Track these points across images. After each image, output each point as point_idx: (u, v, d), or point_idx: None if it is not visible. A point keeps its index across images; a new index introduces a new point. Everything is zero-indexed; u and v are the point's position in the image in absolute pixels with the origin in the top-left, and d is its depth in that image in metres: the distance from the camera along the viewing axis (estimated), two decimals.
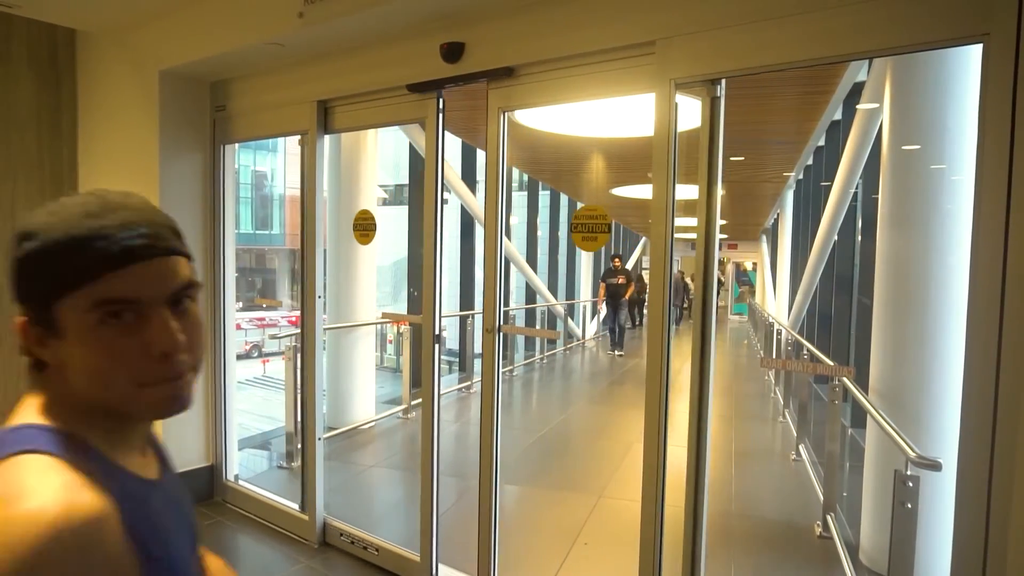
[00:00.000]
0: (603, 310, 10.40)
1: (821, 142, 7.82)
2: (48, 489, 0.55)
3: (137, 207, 0.66)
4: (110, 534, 0.57)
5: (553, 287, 13.57)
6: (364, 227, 3.17)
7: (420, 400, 2.86)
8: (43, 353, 0.67)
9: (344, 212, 5.10)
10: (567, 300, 14.11)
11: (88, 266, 0.61)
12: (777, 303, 12.04)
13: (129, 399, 0.64)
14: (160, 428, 2.95)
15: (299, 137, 3.23)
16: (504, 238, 2.56)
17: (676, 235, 2.17)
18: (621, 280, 9.92)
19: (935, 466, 2.00)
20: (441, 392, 2.80)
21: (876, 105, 4.35)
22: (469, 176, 9.48)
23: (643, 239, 17.41)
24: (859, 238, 6.78)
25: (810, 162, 8.84)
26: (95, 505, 0.57)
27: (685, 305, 14.46)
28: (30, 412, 0.67)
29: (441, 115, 2.71)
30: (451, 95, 2.69)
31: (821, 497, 3.65)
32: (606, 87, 2.26)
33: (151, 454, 0.76)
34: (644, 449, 2.18)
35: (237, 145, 3.64)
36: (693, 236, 2.07)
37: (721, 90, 2.02)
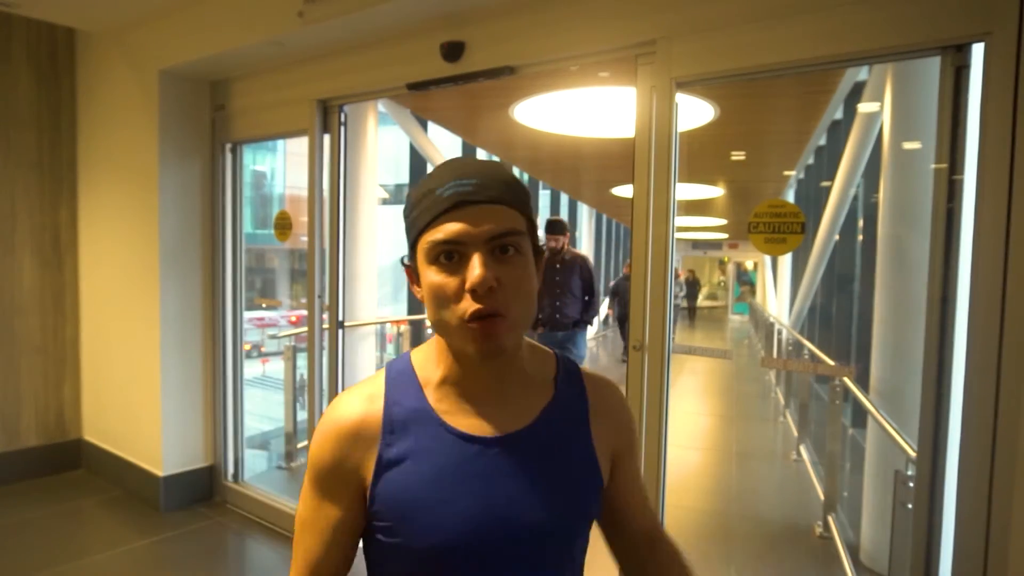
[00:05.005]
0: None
1: (822, 141, 7.81)
2: (346, 393, 0.81)
3: (475, 163, 0.75)
4: (350, 432, 0.77)
5: None
6: (282, 226, 3.54)
7: None
8: (418, 293, 0.77)
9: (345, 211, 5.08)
10: None
11: (420, 217, 0.73)
12: (778, 303, 12.03)
13: (454, 329, 0.72)
14: (160, 426, 2.93)
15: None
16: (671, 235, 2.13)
17: (677, 235, 2.16)
18: None
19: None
20: None
21: (877, 105, 4.34)
22: None
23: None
24: (860, 237, 6.77)
25: (811, 161, 8.82)
26: (352, 410, 0.78)
27: (685, 304, 14.46)
28: (422, 344, 0.84)
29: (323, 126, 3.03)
30: (451, 94, 2.68)
31: (822, 497, 3.64)
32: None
33: (502, 415, 0.79)
34: (645, 449, 2.18)
35: (243, 146, 3.64)
36: (693, 236, 2.01)
37: (969, 58, 1.66)
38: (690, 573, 0.92)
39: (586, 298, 4.71)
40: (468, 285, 0.69)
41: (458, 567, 0.75)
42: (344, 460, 0.77)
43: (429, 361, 0.81)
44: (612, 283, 10.80)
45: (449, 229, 0.70)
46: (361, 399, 0.79)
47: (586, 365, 0.95)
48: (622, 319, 10.59)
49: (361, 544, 0.83)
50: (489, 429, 0.77)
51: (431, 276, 0.72)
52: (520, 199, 0.74)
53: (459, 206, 0.70)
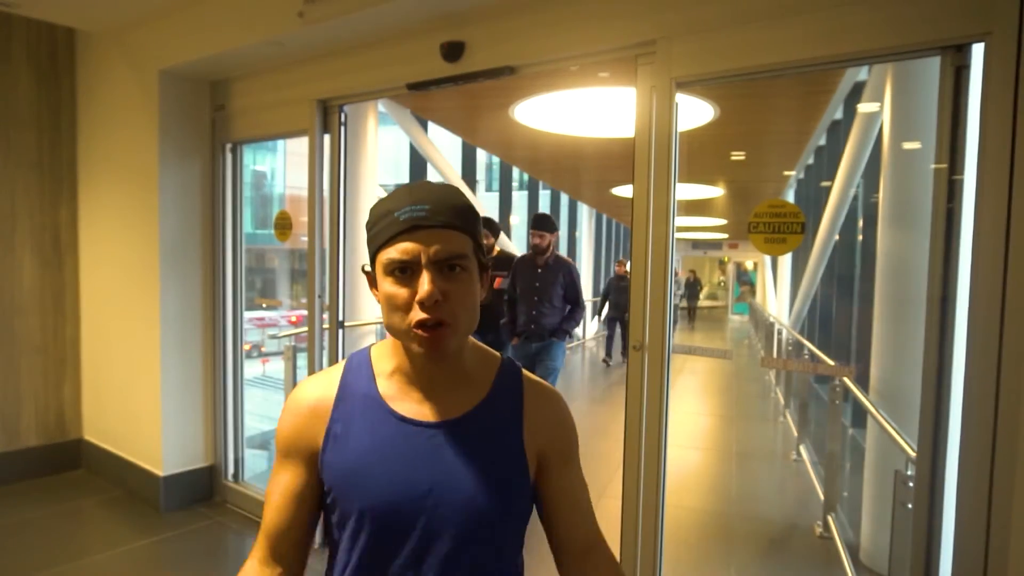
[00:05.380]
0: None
1: (822, 141, 7.81)
2: (310, 377, 0.95)
3: (430, 189, 0.84)
4: (306, 409, 0.91)
5: None
6: (282, 226, 3.54)
7: None
8: (376, 296, 0.86)
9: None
10: None
11: (379, 235, 0.83)
12: (778, 303, 12.04)
13: (404, 333, 0.83)
14: (160, 426, 2.93)
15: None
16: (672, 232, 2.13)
17: (677, 235, 2.16)
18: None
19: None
20: None
21: (877, 105, 4.35)
22: (469, 175, 9.49)
23: None
24: (860, 237, 6.77)
25: (811, 161, 8.83)
26: (310, 391, 0.92)
27: (685, 305, 14.45)
28: (382, 340, 0.96)
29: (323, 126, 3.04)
30: (451, 94, 2.68)
31: (822, 497, 3.64)
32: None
33: (440, 405, 0.89)
34: (645, 449, 2.18)
35: (243, 146, 3.64)
36: (693, 236, 2.01)
37: (969, 58, 1.67)
38: None
39: (567, 308, 4.24)
40: (418, 298, 0.80)
41: (385, 533, 0.85)
42: (301, 433, 0.90)
43: (384, 354, 0.93)
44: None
45: (403, 248, 0.80)
46: (320, 383, 0.93)
47: (561, 378, 0.97)
48: (611, 320, 10.30)
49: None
50: (426, 415, 0.89)
51: (387, 286, 0.82)
52: (468, 224, 0.84)
53: (413, 228, 0.80)
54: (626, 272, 9.99)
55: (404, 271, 0.81)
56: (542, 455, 0.93)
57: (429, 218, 0.81)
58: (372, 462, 0.86)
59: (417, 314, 0.80)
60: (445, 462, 0.86)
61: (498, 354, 0.98)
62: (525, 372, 0.97)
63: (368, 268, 0.89)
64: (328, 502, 0.90)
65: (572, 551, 0.96)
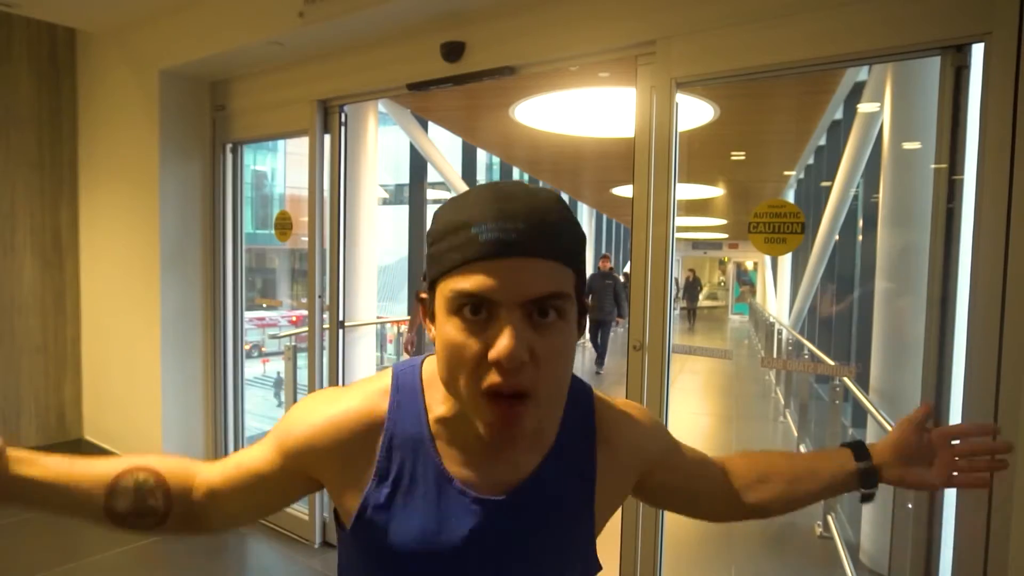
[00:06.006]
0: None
1: (822, 141, 7.81)
2: (353, 388, 0.73)
3: (524, 199, 0.60)
4: (348, 437, 0.69)
5: None
6: (282, 226, 3.52)
7: None
8: (431, 333, 0.66)
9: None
10: None
11: (447, 255, 0.60)
12: (778, 303, 12.03)
13: (467, 400, 0.61)
14: (160, 426, 2.92)
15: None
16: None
17: (677, 235, 2.16)
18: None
19: None
20: None
21: (877, 105, 4.34)
22: (469, 175, 9.49)
23: None
24: (860, 238, 6.77)
25: (811, 161, 8.83)
26: (355, 414, 0.70)
27: (685, 305, 14.45)
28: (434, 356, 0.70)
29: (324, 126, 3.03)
30: (451, 95, 2.68)
31: None
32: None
33: (500, 466, 0.70)
34: None
35: (243, 146, 3.64)
36: (693, 236, 2.01)
37: (969, 59, 1.66)
38: (768, 456, 0.90)
39: None
40: (493, 355, 0.57)
41: None
42: (320, 468, 0.71)
43: (438, 383, 0.69)
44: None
45: (480, 281, 0.57)
46: (365, 406, 0.71)
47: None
48: (597, 322, 9.48)
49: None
50: (485, 484, 0.69)
51: (450, 331, 0.60)
52: (573, 251, 0.62)
53: (498, 254, 0.57)
54: (611, 269, 9.67)
55: (477, 311, 0.58)
56: (642, 475, 0.80)
57: (522, 242, 0.57)
58: (421, 543, 0.68)
59: (491, 377, 0.58)
60: (501, 546, 0.69)
61: None
62: (597, 395, 0.77)
63: (424, 294, 0.66)
64: (356, 550, 0.73)
65: (732, 493, 0.86)
